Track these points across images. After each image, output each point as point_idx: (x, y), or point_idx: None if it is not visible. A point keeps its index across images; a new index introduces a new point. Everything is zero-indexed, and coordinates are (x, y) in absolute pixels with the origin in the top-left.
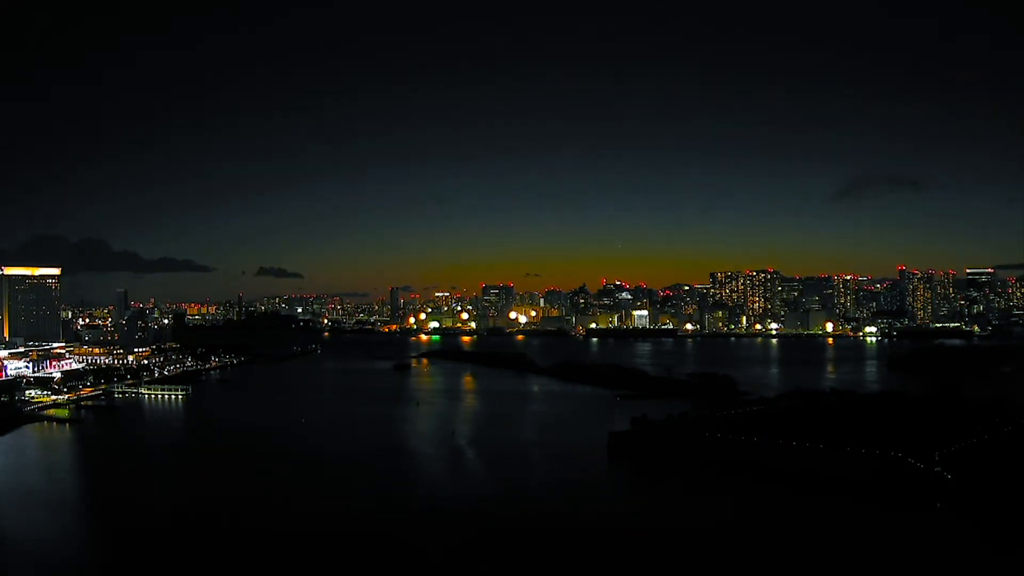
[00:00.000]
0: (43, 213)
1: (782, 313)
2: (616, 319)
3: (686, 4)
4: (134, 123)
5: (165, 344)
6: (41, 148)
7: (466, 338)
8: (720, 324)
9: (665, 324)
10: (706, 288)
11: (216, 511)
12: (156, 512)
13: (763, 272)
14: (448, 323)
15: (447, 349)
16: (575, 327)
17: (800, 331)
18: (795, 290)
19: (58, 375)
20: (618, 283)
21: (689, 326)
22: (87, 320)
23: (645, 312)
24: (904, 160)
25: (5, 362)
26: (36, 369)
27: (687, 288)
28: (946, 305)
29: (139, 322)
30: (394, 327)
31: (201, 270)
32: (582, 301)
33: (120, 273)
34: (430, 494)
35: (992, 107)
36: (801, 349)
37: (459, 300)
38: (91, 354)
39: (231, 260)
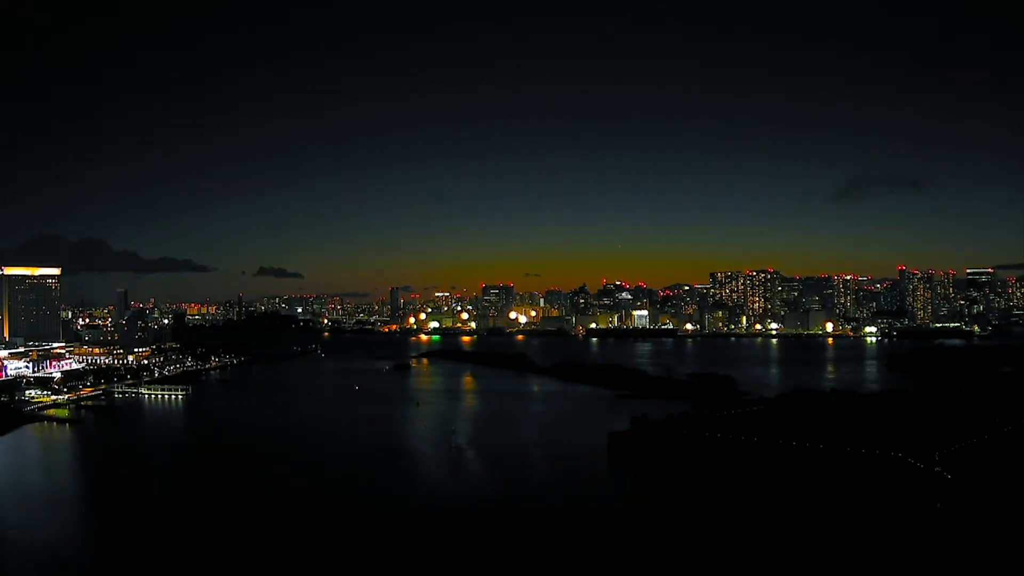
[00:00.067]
0: (43, 213)
1: (782, 313)
2: (616, 319)
3: (686, 4)
4: (134, 123)
5: (165, 344)
6: (41, 148)
7: (466, 338)
8: (720, 324)
9: (665, 324)
10: (706, 288)
11: (216, 511)
12: (156, 512)
13: (763, 272)
14: (448, 323)
15: (447, 349)
16: (575, 327)
17: (800, 331)
18: (795, 290)
19: (58, 375)
20: (618, 283)
21: (689, 326)
22: (87, 320)
23: (645, 312)
24: (904, 160)
25: (5, 362)
26: (36, 369)
27: (687, 288)
28: (946, 305)
29: (139, 322)
30: (394, 327)
31: (201, 270)
32: (582, 301)
33: (120, 273)
34: (430, 494)
35: (992, 107)
36: (801, 349)
37: (459, 300)
38: (91, 354)
39: (231, 260)
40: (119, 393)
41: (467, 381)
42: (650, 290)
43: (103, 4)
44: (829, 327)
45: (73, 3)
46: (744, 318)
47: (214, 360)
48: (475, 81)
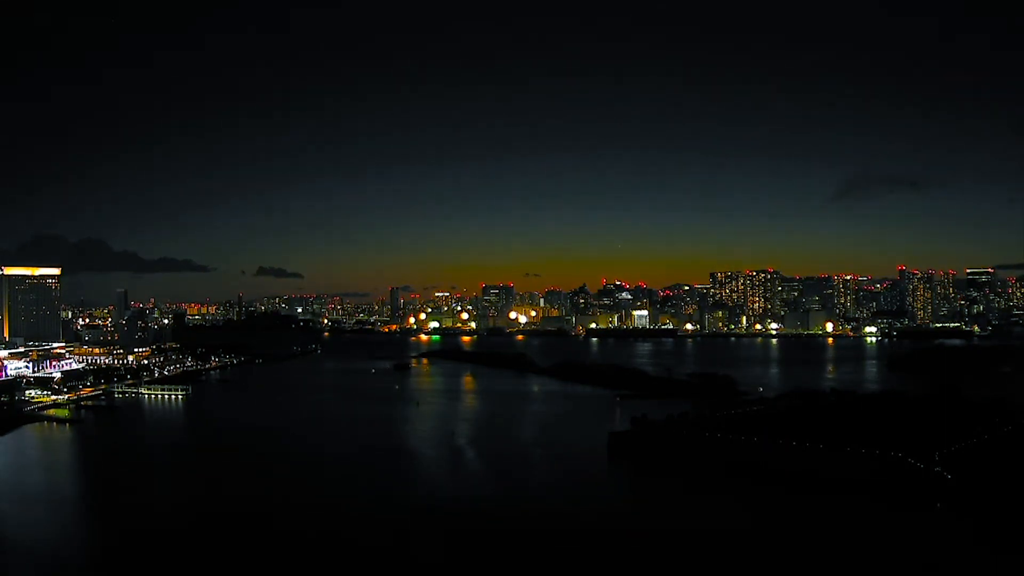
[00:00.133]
0: (43, 213)
1: (782, 313)
2: (616, 319)
3: (686, 4)
4: (134, 123)
5: (165, 344)
6: (41, 148)
7: (466, 338)
8: (720, 324)
9: (665, 324)
10: (706, 288)
11: (216, 511)
12: (156, 512)
13: (763, 272)
14: (448, 323)
15: (447, 349)
16: (575, 327)
17: (800, 331)
18: (795, 290)
19: (58, 375)
20: (618, 283)
21: (689, 326)
22: (87, 320)
23: (645, 312)
24: (904, 160)
25: (5, 362)
26: (36, 369)
27: (687, 288)
28: (946, 305)
29: (139, 322)
30: (394, 327)
31: (201, 270)
32: (582, 301)
33: (120, 273)
34: (430, 494)
35: (992, 107)
36: (801, 349)
37: (459, 300)
38: (91, 354)
39: (231, 260)
40: (119, 393)
41: (467, 381)
42: (650, 290)
43: (103, 4)
44: (829, 327)
45: (73, 3)
46: (744, 318)
47: (214, 360)
48: (475, 81)
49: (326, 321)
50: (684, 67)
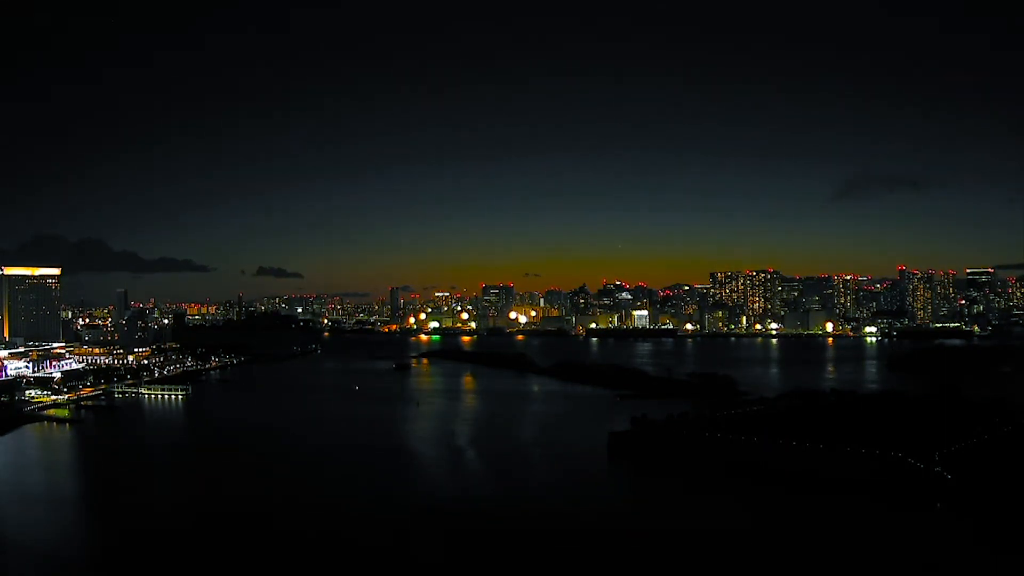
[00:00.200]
0: (43, 213)
1: (782, 313)
2: (616, 319)
3: (686, 4)
4: (134, 123)
5: (165, 344)
6: (41, 148)
7: (466, 338)
8: (720, 324)
9: (665, 324)
10: (706, 288)
11: (216, 511)
12: (156, 512)
13: (763, 272)
14: (448, 323)
15: (447, 349)
16: (575, 327)
17: (800, 331)
18: (795, 290)
19: (58, 375)
20: (618, 283)
21: (689, 326)
22: (87, 320)
23: (645, 312)
24: (904, 160)
25: (5, 362)
26: (36, 369)
27: (687, 288)
28: (946, 305)
29: (139, 322)
30: (394, 327)
31: (201, 270)
32: (582, 301)
33: (120, 273)
34: (430, 494)
35: (992, 107)
36: (801, 349)
37: (459, 300)
38: (91, 354)
39: (231, 260)
40: (119, 393)
41: (467, 381)
42: (650, 290)
43: (103, 4)
44: (829, 327)
45: (73, 3)
46: (744, 318)
47: (214, 360)
48: (475, 81)
49: (326, 321)
50: (684, 67)
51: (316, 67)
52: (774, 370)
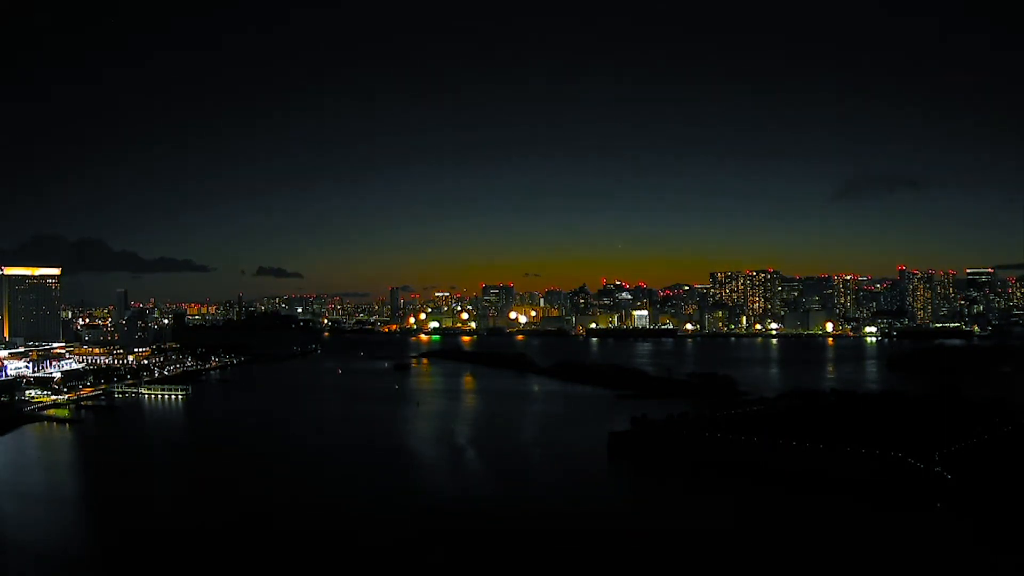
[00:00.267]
0: (43, 213)
1: (782, 313)
2: (616, 319)
3: (686, 5)
4: (134, 123)
5: (165, 344)
6: (41, 148)
7: (466, 338)
8: (720, 324)
9: (665, 324)
10: (706, 288)
11: (216, 511)
12: (156, 512)
13: (763, 272)
14: (448, 323)
15: (447, 349)
16: (575, 327)
17: (800, 331)
18: (795, 290)
19: (58, 375)
20: (618, 283)
21: (689, 326)
22: (87, 320)
23: (645, 312)
24: (904, 160)
25: (5, 362)
26: (36, 369)
27: (687, 288)
28: (946, 305)
29: (139, 322)
30: (394, 327)
31: (201, 270)
32: (582, 301)
33: (120, 273)
34: (430, 494)
35: (992, 107)
36: (801, 349)
37: (459, 300)
38: (91, 354)
39: (231, 260)
40: (119, 393)
41: (467, 381)
42: (650, 290)
43: (103, 4)
44: (829, 327)
45: (73, 3)
46: (744, 318)
47: (214, 360)
48: (475, 81)
49: (326, 321)
50: (684, 67)
51: (316, 67)
52: (774, 370)
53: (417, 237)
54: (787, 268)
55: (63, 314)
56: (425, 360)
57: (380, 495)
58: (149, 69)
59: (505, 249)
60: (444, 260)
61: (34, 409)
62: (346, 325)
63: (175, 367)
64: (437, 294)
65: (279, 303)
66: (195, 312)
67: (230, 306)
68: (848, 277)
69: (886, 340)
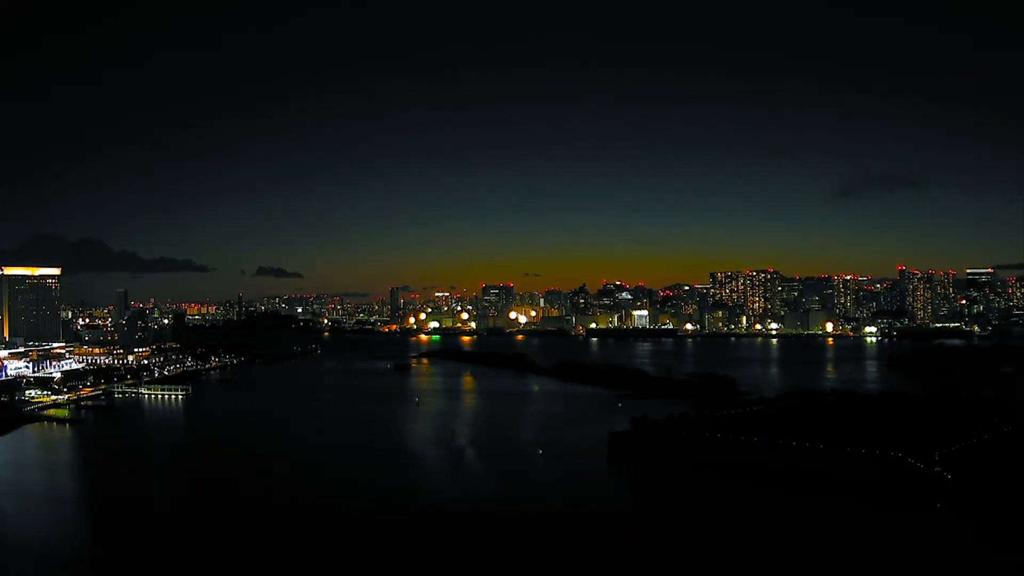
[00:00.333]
0: (43, 213)
1: (782, 313)
2: (616, 319)
3: (685, 6)
4: (134, 123)
5: (165, 344)
6: (41, 148)
7: (466, 338)
8: (720, 324)
9: (665, 324)
10: (706, 288)
11: (216, 511)
12: (156, 512)
13: (763, 272)
14: (448, 323)
15: (447, 349)
16: (575, 327)
17: (800, 331)
18: (795, 290)
19: (58, 375)
20: (618, 283)
21: (689, 326)
22: (87, 320)
23: (645, 312)
24: (904, 160)
25: (5, 362)
26: (36, 369)
27: (687, 288)
28: (946, 305)
29: (139, 322)
30: (394, 327)
31: (201, 270)
32: (582, 301)
33: (120, 273)
34: (430, 494)
35: (992, 107)
36: (801, 349)
37: (459, 300)
38: (91, 354)
39: (231, 260)
40: (119, 393)
41: (467, 381)
42: (650, 290)
43: (103, 4)
44: (829, 327)
45: (73, 3)
46: (744, 318)
47: (214, 360)
48: (475, 81)
49: (326, 321)
50: (684, 67)
51: (316, 67)
52: (774, 370)
53: (417, 237)
54: (787, 268)
55: (63, 314)
56: (425, 360)
57: (380, 495)
58: (149, 69)
59: (505, 249)
60: (444, 260)
61: (34, 409)
62: (346, 325)
63: (175, 367)
64: (437, 294)
65: (279, 303)
66: (195, 312)
67: (230, 306)
68: (848, 277)
69: (886, 340)
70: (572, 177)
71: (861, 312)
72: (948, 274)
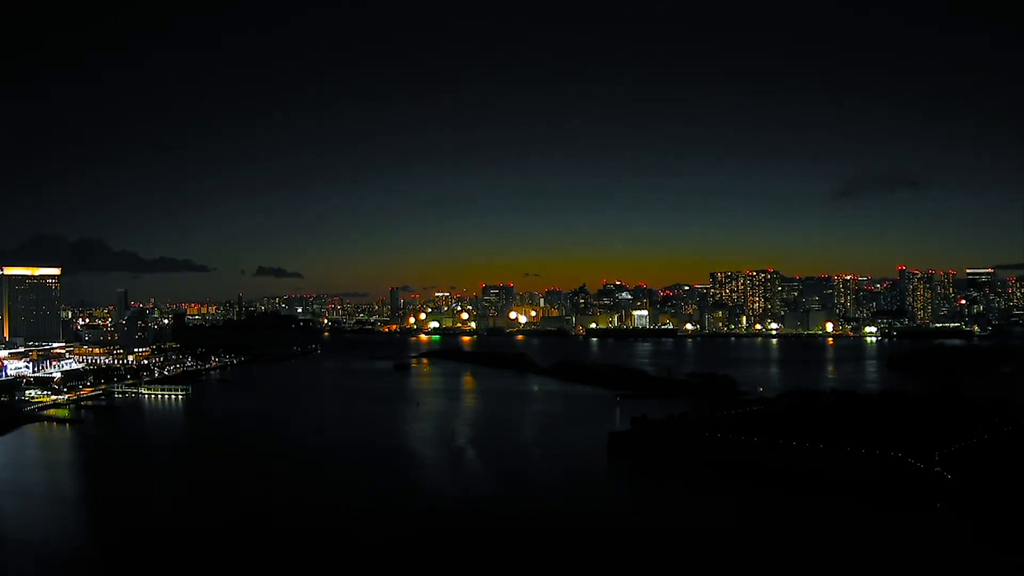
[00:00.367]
0: (43, 213)
1: (782, 313)
2: (616, 319)
3: (685, 6)
4: (134, 123)
5: (165, 344)
6: (41, 148)
7: (466, 338)
8: (720, 324)
9: (665, 324)
10: (706, 288)
11: (216, 511)
12: (156, 512)
13: (763, 272)
14: (448, 323)
15: (447, 349)
16: (575, 327)
17: (800, 331)
18: (795, 290)
19: (58, 375)
20: (618, 283)
21: (689, 326)
22: (87, 320)
23: (645, 312)
24: (904, 160)
25: (5, 362)
26: (36, 369)
27: (687, 288)
28: (946, 305)
29: (139, 322)
30: (394, 327)
31: (201, 270)
32: (582, 301)
33: (120, 273)
34: (430, 494)
35: (992, 107)
36: (801, 349)
37: (459, 300)
38: (91, 354)
39: (231, 260)
40: (119, 393)
41: (467, 381)
42: (650, 290)
43: (103, 4)
44: (829, 327)
45: (73, 3)
46: (744, 318)
47: (214, 360)
48: (474, 82)
49: (326, 321)
50: (684, 67)
51: (316, 67)
52: (774, 370)
53: (417, 237)
54: (787, 268)
55: (63, 314)
56: (425, 360)
57: (380, 495)
58: (149, 69)
59: (505, 249)
60: (444, 260)
61: (34, 409)
62: (346, 325)
63: (175, 367)
64: (437, 294)
65: (279, 303)
66: (195, 312)
67: (230, 306)
68: (848, 277)
69: (886, 340)
70: (572, 177)
71: (861, 312)
72: (948, 274)
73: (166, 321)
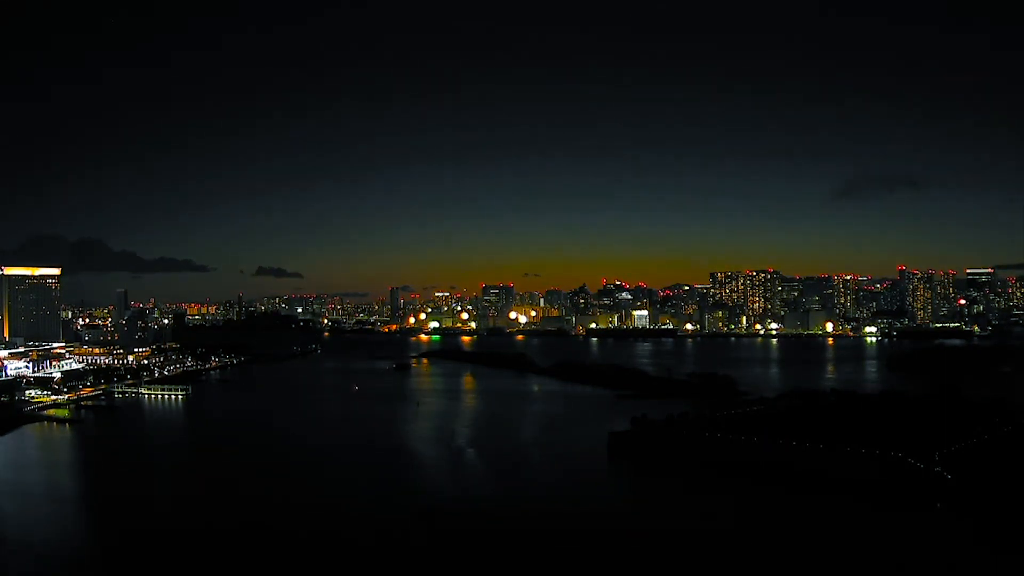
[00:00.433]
0: (43, 213)
1: (782, 313)
2: (616, 319)
3: (686, 7)
4: (134, 123)
5: (165, 344)
6: (41, 148)
7: (466, 338)
8: (720, 324)
9: (665, 324)
10: (706, 288)
11: (216, 511)
12: (156, 512)
13: (763, 272)
14: (448, 323)
15: (447, 349)
16: (575, 327)
17: (800, 331)
18: (795, 290)
19: (58, 375)
20: (618, 283)
21: (689, 326)
22: (87, 320)
23: (645, 312)
24: (904, 160)
25: (5, 362)
26: (36, 369)
27: (687, 288)
28: (946, 305)
29: (139, 322)
30: (394, 327)
31: (201, 270)
32: (582, 301)
33: (120, 273)
34: (430, 494)
35: (992, 107)
36: (801, 349)
37: (459, 300)
38: (91, 354)
39: (231, 260)
40: (119, 393)
41: (467, 381)
42: (650, 290)
43: (104, 4)
44: (829, 327)
45: (73, 3)
46: (744, 318)
47: (214, 360)
48: (475, 81)
49: (326, 321)
50: (684, 67)
51: (316, 67)
52: (774, 370)
53: (417, 237)
54: (787, 268)
55: (63, 314)
56: (425, 360)
57: (380, 495)
58: (149, 69)
59: (505, 249)
60: (444, 260)
61: (34, 409)
62: (346, 325)
63: (175, 367)
64: (437, 294)
65: (279, 303)
66: (195, 312)
67: (230, 306)
68: (848, 277)
69: (886, 340)
70: (572, 177)
71: (861, 312)
72: (948, 274)
73: (166, 321)
